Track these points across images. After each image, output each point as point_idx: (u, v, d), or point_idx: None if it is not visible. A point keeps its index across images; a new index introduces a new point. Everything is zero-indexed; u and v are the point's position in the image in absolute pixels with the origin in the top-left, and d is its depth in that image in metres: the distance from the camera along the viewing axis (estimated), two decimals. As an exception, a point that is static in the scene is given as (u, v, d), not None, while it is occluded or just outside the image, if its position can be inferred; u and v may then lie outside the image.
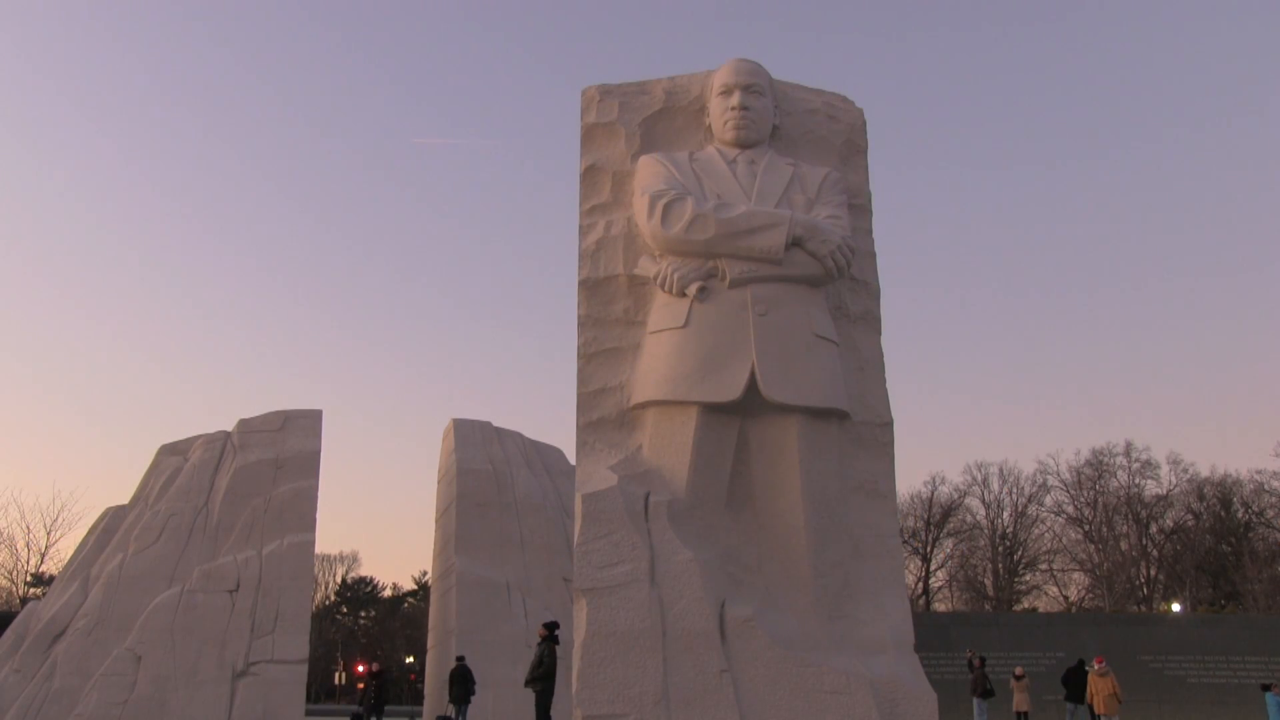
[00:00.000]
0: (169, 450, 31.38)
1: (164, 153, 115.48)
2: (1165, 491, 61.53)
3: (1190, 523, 61.09)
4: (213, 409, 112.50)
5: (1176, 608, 51.58)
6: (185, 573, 27.27)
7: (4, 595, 60.02)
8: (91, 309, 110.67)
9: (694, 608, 7.54)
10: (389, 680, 22.48)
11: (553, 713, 17.19)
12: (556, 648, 17.31)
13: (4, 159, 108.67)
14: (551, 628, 17.77)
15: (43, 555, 57.85)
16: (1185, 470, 61.99)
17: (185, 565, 27.52)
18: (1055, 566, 63.36)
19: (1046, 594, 64.31)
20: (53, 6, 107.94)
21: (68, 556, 34.64)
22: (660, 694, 7.31)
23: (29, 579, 58.15)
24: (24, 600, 47.82)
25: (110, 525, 30.15)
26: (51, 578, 44.53)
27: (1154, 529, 61.13)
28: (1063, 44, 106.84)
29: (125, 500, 30.91)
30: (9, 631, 28.21)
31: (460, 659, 25.05)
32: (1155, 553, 60.58)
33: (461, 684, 24.21)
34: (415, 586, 79.99)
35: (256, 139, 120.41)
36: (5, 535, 60.36)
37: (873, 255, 9.72)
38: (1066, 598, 62.57)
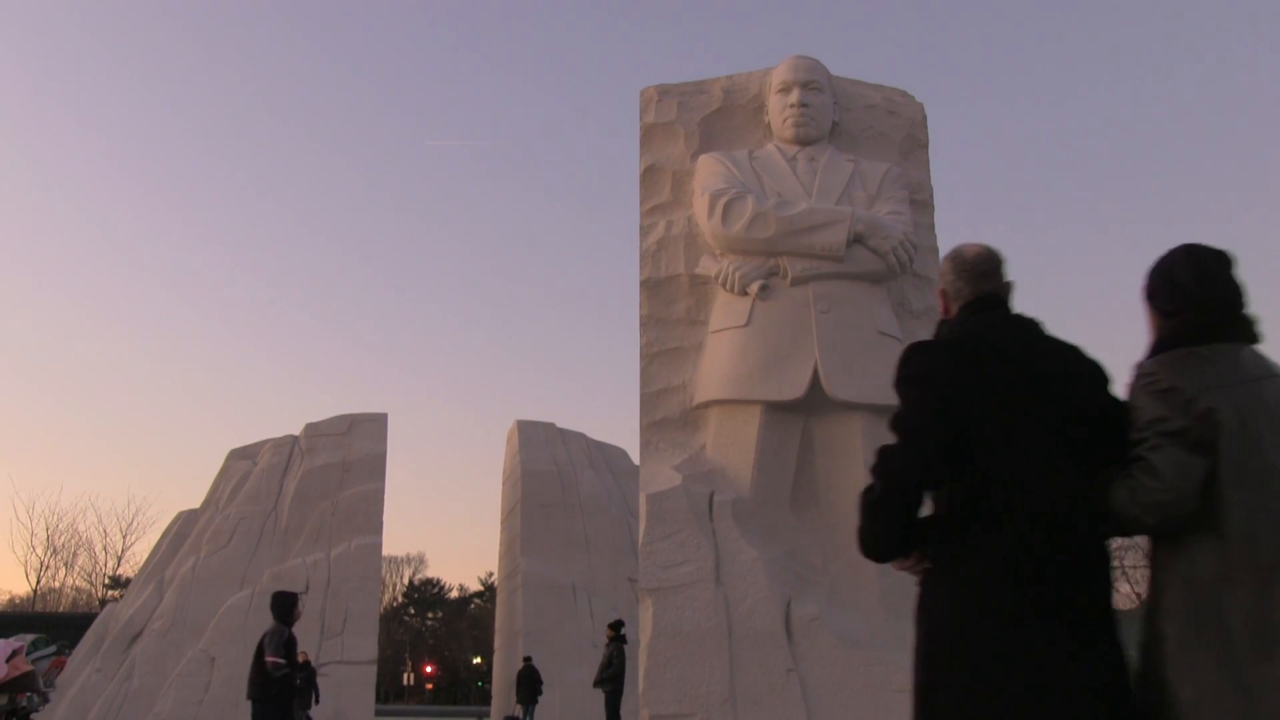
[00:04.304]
0: (238, 455, 31.90)
1: (215, 158, 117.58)
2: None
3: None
4: (280, 414, 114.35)
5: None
6: (256, 575, 27.70)
7: (84, 597, 61.55)
8: (163, 321, 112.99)
9: (760, 607, 7.51)
10: (314, 672, 22.35)
11: (622, 712, 17.22)
12: (625, 647, 17.35)
13: (76, 158, 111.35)
14: (617, 627, 17.82)
15: (119, 558, 59.37)
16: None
17: (256, 568, 27.96)
18: (1126, 563, 62.28)
19: (1117, 591, 63.23)
20: (76, 18, 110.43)
21: (143, 559, 35.42)
22: (727, 693, 7.30)
23: (107, 581, 59.66)
24: (103, 602, 48.94)
25: (183, 529, 30.74)
26: (128, 580, 45.50)
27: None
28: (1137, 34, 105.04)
29: (197, 504, 31.49)
30: (89, 633, 28.89)
31: (527, 660, 25.20)
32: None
33: (528, 685, 24.35)
34: (481, 588, 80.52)
35: (312, 149, 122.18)
36: (84, 539, 62.03)
37: (935, 251, 9.63)
38: (1139, 595, 61.47)
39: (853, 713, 7.40)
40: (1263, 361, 3.03)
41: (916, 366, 3.13)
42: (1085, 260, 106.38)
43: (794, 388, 8.12)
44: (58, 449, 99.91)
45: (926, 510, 3.13)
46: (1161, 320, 3.16)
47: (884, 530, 3.05)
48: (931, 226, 9.69)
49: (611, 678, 17.12)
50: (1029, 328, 3.29)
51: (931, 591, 3.05)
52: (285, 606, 11.46)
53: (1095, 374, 3.22)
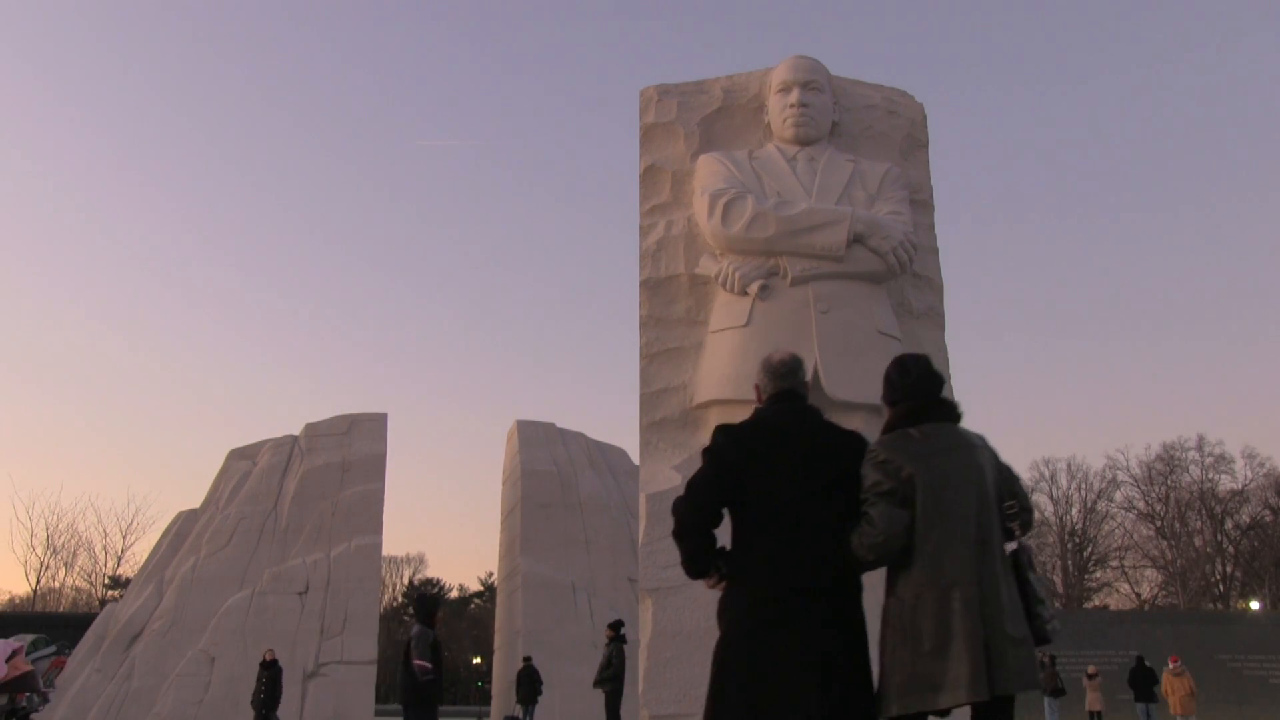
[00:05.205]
0: (238, 455, 31.93)
1: (215, 158, 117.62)
2: (1241, 486, 60.16)
3: (1268, 518, 59.65)
4: (280, 414, 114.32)
5: (1255, 605, 50.41)
6: (256, 575, 27.74)
7: (84, 597, 61.56)
8: (164, 321, 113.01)
9: (760, 607, 7.50)
10: (280, 670, 22.27)
11: (622, 712, 17.23)
12: (625, 647, 17.34)
13: (76, 159, 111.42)
14: (617, 627, 17.81)
15: (119, 558, 59.41)
16: (1262, 465, 60.51)
17: (255, 568, 28.00)
18: (1126, 563, 62.26)
19: (1118, 591, 63.21)
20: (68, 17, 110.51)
21: (143, 559, 35.42)
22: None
23: (107, 581, 59.67)
24: (103, 602, 48.95)
25: (183, 529, 30.76)
26: (128, 580, 45.52)
27: (1229, 525, 59.79)
28: (1140, 35, 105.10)
29: (197, 504, 31.50)
30: (89, 633, 28.90)
31: (527, 659, 25.21)
32: (1231, 549, 59.24)
33: (529, 684, 24.34)
34: (481, 588, 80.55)
35: (312, 149, 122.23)
36: (84, 539, 62.03)
37: (935, 251, 9.64)
38: (1139, 595, 61.44)
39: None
40: (958, 435, 4.20)
41: (714, 443, 4.31)
42: (1085, 260, 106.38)
43: (794, 388, 8.12)
44: (58, 449, 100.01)
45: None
46: (888, 410, 4.36)
47: (684, 557, 4.24)
48: (931, 226, 9.69)
49: (611, 678, 17.10)
50: (811, 414, 4.43)
51: (724, 603, 4.20)
52: (429, 609, 11.39)
53: (855, 448, 4.29)
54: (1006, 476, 4.25)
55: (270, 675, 21.93)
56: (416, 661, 10.86)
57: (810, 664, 3.92)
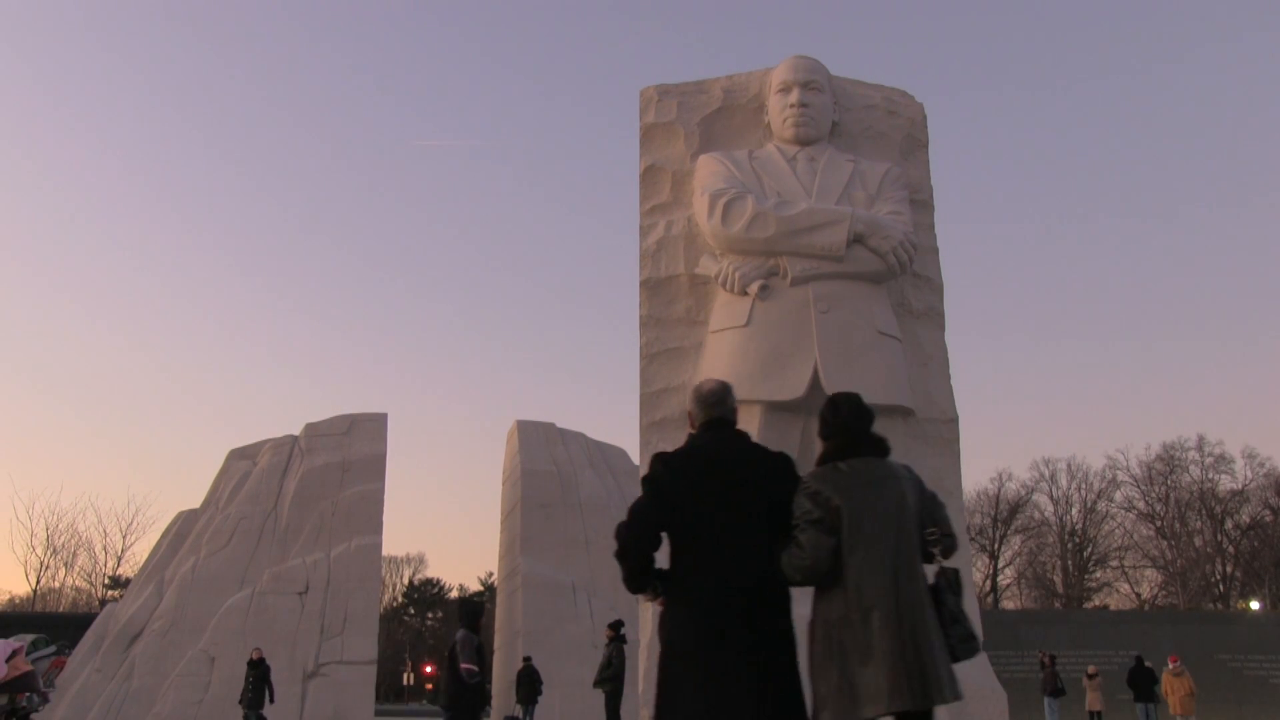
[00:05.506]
0: (238, 455, 31.90)
1: (216, 159, 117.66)
2: (1241, 486, 60.13)
3: (1268, 518, 59.62)
4: (280, 414, 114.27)
5: (1255, 605, 50.39)
6: (255, 575, 27.72)
7: (84, 597, 61.56)
8: (164, 321, 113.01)
9: (760, 607, 7.50)
10: (268, 669, 22.23)
11: (622, 712, 17.23)
12: (624, 647, 17.34)
13: (75, 159, 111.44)
14: (617, 627, 17.81)
15: (119, 558, 59.33)
16: (1262, 465, 60.47)
17: (255, 568, 27.98)
18: (1126, 563, 62.24)
19: (1118, 591, 63.17)
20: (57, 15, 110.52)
21: (143, 559, 35.41)
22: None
23: (107, 581, 59.65)
24: (103, 602, 48.93)
25: (183, 529, 30.73)
26: (128, 580, 45.51)
27: (1229, 525, 59.77)
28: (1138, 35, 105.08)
29: (197, 504, 31.48)
30: (89, 632, 28.88)
31: (527, 659, 25.18)
32: (1231, 549, 59.22)
33: (528, 684, 24.31)
34: (481, 588, 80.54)
35: (313, 149, 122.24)
36: (84, 539, 61.96)
37: (935, 251, 9.65)
38: (1139, 595, 61.43)
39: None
40: (884, 468, 4.57)
41: (651, 470, 4.60)
42: (1086, 259, 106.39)
43: (794, 388, 8.12)
44: (58, 449, 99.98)
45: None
46: (822, 444, 4.73)
47: (625, 576, 4.53)
48: (931, 226, 9.69)
49: (611, 678, 17.08)
50: (741, 440, 4.76)
51: (664, 618, 4.53)
52: (474, 614, 11.58)
53: (785, 472, 4.64)
54: (930, 505, 4.63)
55: (257, 674, 21.87)
56: (464, 665, 11.12)
57: (747, 675, 4.25)
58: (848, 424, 4.69)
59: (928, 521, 4.56)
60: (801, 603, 4.49)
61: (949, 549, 4.62)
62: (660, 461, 4.64)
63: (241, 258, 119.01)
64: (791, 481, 4.60)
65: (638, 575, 4.52)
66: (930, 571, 4.52)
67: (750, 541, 4.42)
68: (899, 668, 4.15)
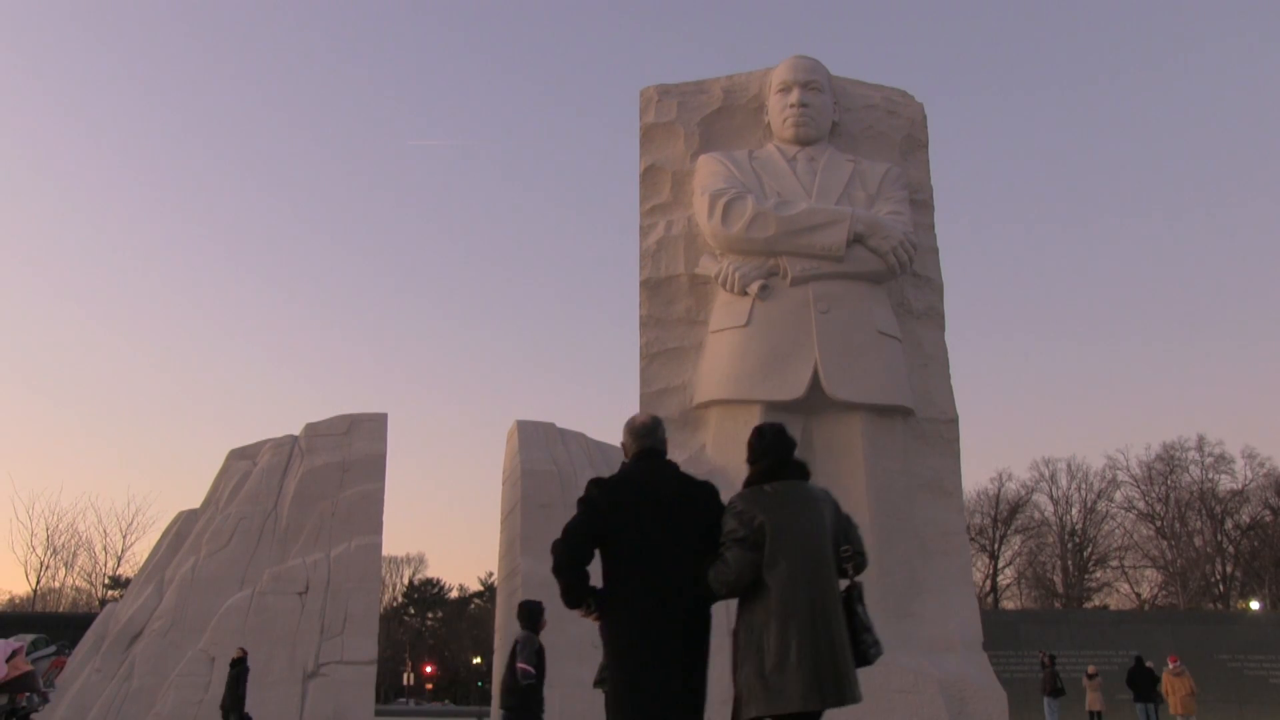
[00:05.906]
0: (238, 455, 31.84)
1: (216, 159, 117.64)
2: (1241, 486, 60.09)
3: (1268, 518, 59.60)
4: (280, 414, 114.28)
5: (1255, 605, 50.37)
6: (255, 575, 27.67)
7: (84, 597, 61.53)
8: (164, 321, 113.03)
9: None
10: (245, 670, 22.14)
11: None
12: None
13: (75, 160, 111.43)
14: (617, 627, 17.84)
15: (119, 558, 59.26)
16: (1262, 465, 60.43)
17: (255, 568, 27.91)
18: (1126, 563, 62.20)
19: (1118, 591, 63.14)
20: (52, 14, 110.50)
21: (143, 559, 35.37)
22: (726, 694, 7.27)
23: (107, 581, 59.61)
24: (103, 602, 48.91)
25: (183, 529, 30.67)
26: (128, 580, 45.47)
27: (1229, 525, 59.75)
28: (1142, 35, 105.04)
29: (196, 504, 31.44)
30: (89, 633, 28.84)
31: (527, 659, 25.18)
32: (1231, 549, 59.20)
33: (528, 684, 24.30)
34: (481, 588, 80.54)
35: (313, 149, 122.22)
36: (84, 539, 61.90)
37: (935, 251, 9.64)
38: (1139, 595, 61.40)
39: (852, 712, 7.39)
40: (805, 491, 5.02)
41: (587, 493, 5.04)
42: (1085, 259, 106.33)
43: (794, 387, 8.12)
44: (58, 449, 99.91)
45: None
46: (749, 468, 5.14)
47: (562, 591, 4.92)
48: (931, 226, 9.69)
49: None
50: (669, 469, 5.22)
51: (604, 630, 5.00)
52: (533, 615, 11.62)
53: (709, 498, 5.11)
54: (845, 525, 5.10)
55: (235, 674, 21.76)
56: (520, 665, 11.28)
57: (679, 676, 4.88)
58: (772, 449, 5.13)
59: (842, 540, 5.01)
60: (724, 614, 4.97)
61: (860, 566, 5.06)
62: (595, 485, 5.08)
63: (242, 258, 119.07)
64: (716, 506, 5.06)
65: (574, 589, 4.92)
66: (843, 585, 4.98)
67: (675, 559, 4.85)
68: (811, 671, 4.61)
